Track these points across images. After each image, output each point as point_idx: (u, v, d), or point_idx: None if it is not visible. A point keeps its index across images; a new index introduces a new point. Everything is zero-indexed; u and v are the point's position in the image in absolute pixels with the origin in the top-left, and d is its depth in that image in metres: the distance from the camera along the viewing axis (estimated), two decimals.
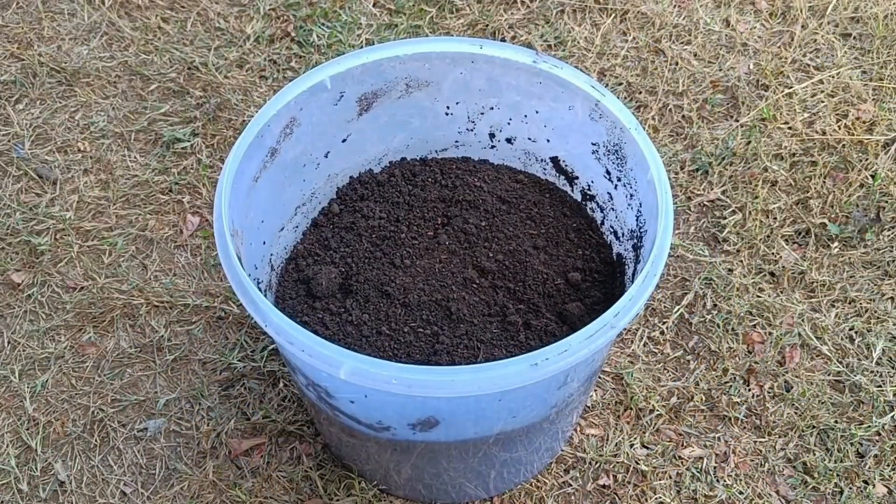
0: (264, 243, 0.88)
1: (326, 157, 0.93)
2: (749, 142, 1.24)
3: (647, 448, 0.99)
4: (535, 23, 1.39)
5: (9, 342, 1.06)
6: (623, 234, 0.88)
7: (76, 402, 1.02)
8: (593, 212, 0.94)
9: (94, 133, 1.25)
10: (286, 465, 0.97)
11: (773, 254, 1.14)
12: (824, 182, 1.21)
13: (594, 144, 0.88)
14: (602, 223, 0.93)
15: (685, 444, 0.99)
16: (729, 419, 1.01)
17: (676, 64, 1.34)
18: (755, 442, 0.99)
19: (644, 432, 0.99)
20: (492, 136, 0.97)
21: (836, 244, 1.15)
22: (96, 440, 0.99)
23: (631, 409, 1.01)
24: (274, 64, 1.33)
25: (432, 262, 0.88)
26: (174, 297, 1.09)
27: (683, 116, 1.28)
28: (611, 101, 0.83)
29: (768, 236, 1.15)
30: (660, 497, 0.95)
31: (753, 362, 1.05)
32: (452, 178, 0.96)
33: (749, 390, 1.03)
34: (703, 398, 1.02)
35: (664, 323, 1.08)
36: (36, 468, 0.97)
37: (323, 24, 1.37)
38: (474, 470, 0.86)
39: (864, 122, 1.27)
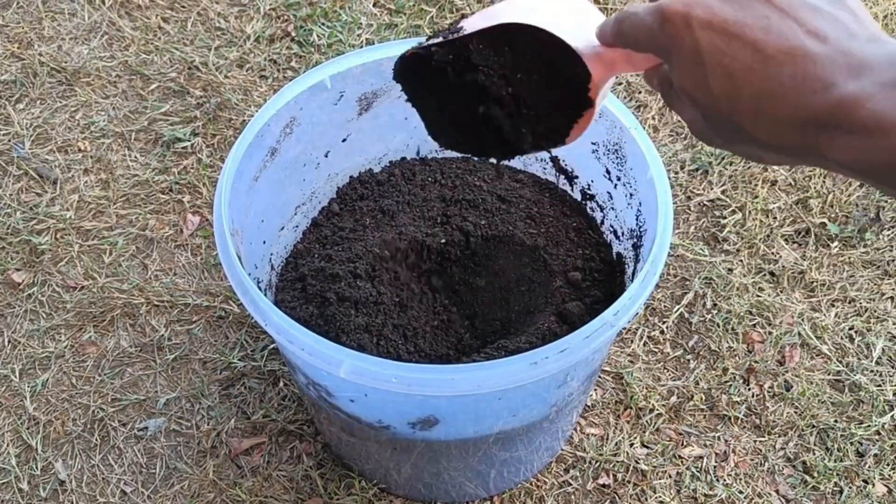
0: (264, 243, 0.88)
1: (326, 156, 0.93)
2: None
3: (647, 447, 0.99)
4: None
5: (9, 341, 1.06)
6: (623, 234, 0.88)
7: (76, 401, 1.02)
8: (593, 211, 0.94)
9: (94, 133, 1.25)
10: (286, 465, 0.97)
11: (772, 253, 1.14)
12: (824, 181, 1.21)
13: (594, 144, 0.88)
14: (602, 222, 0.93)
15: (685, 443, 0.99)
16: (729, 418, 1.01)
17: None
18: (755, 441, 0.99)
19: (644, 432, 0.99)
20: None
21: (835, 244, 1.15)
22: (96, 439, 0.99)
23: (631, 408, 1.01)
24: (274, 64, 1.33)
25: None
26: (174, 296, 1.09)
27: None
28: (611, 100, 0.83)
29: (768, 236, 1.15)
30: (660, 496, 0.95)
31: (753, 362, 1.05)
32: (452, 177, 0.96)
33: (749, 390, 1.03)
34: (703, 397, 1.02)
35: (664, 322, 1.08)
36: (36, 467, 0.97)
37: (323, 24, 1.37)
38: (474, 469, 0.86)
39: None
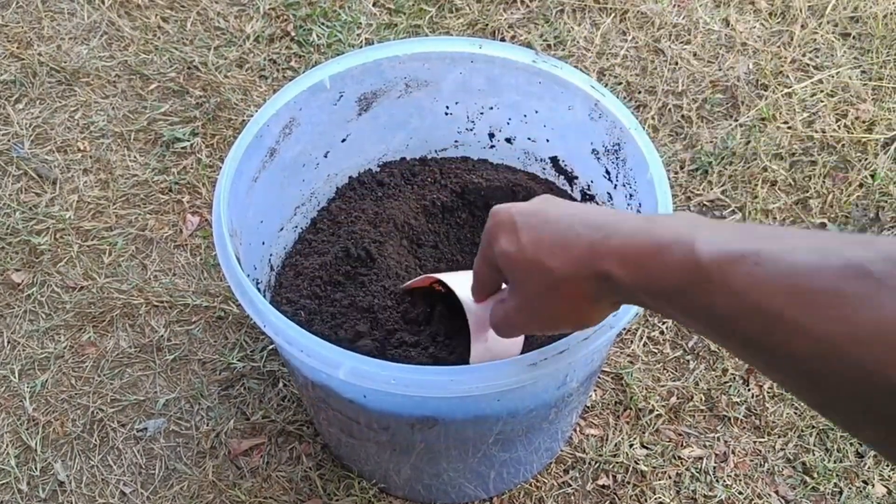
0: (263, 243, 0.88)
1: (326, 156, 0.93)
2: (748, 141, 1.24)
3: (647, 448, 0.99)
4: (535, 22, 1.39)
5: (8, 342, 1.06)
6: None
7: (76, 401, 1.02)
8: None
9: (93, 133, 1.25)
10: (286, 465, 0.97)
11: None
12: (824, 182, 1.21)
13: (594, 144, 0.88)
14: None
15: (685, 444, 0.99)
16: (728, 419, 1.01)
17: (676, 63, 1.34)
18: (755, 442, 0.99)
19: (644, 432, 0.99)
20: (491, 135, 0.97)
21: None
22: (96, 440, 0.99)
23: (630, 409, 1.01)
24: (273, 63, 1.33)
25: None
26: (174, 296, 1.09)
27: (683, 116, 1.28)
28: (610, 100, 0.83)
29: None
30: (659, 497, 0.95)
31: None
32: (452, 177, 0.96)
33: (748, 390, 1.03)
34: (703, 398, 1.02)
35: (664, 323, 1.08)
36: (35, 468, 0.97)
37: (322, 24, 1.37)
38: (474, 470, 0.86)
39: (863, 122, 1.27)
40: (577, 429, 0.99)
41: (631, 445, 0.98)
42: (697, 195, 1.20)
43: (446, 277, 0.71)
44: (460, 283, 0.68)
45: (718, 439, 0.99)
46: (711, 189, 1.20)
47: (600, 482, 0.96)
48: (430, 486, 0.90)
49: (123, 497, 0.96)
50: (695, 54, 1.35)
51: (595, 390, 1.02)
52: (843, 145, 1.24)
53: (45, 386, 1.03)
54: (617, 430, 0.99)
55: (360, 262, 0.87)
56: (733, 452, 0.99)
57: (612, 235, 0.46)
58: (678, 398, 1.02)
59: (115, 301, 1.09)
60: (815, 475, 0.97)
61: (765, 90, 1.31)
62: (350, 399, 0.75)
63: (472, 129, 0.97)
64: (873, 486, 0.96)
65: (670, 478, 0.97)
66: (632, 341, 1.06)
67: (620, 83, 1.31)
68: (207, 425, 1.00)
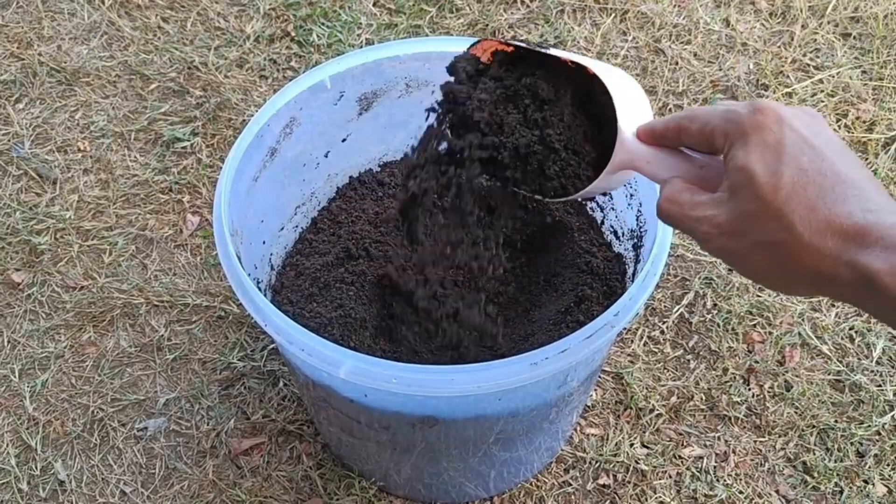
0: (264, 243, 0.88)
1: (326, 156, 0.93)
2: None
3: (647, 448, 0.99)
4: (535, 22, 1.39)
5: (9, 341, 1.06)
6: (623, 234, 0.88)
7: (76, 401, 1.02)
8: (593, 211, 0.94)
9: (93, 132, 1.25)
10: (286, 465, 0.97)
11: None
12: None
13: None
14: (602, 223, 0.92)
15: (685, 443, 0.99)
16: (729, 419, 1.01)
17: (676, 63, 1.34)
18: (755, 441, 0.99)
19: (644, 432, 0.99)
20: None
21: None
22: (96, 439, 0.99)
23: (631, 408, 1.01)
24: (274, 63, 1.33)
25: None
26: (174, 296, 1.09)
27: None
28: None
29: None
30: (660, 496, 0.95)
31: (753, 362, 1.05)
32: None
33: (749, 390, 1.03)
34: (703, 398, 1.02)
35: (664, 322, 1.08)
36: (36, 467, 0.97)
37: (323, 24, 1.37)
38: (474, 469, 0.86)
39: (864, 122, 1.27)
40: (578, 428, 0.99)
41: (631, 445, 0.98)
42: None
43: (595, 67, 0.58)
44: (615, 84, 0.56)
45: (719, 439, 0.99)
46: None
47: (601, 482, 0.96)
48: (430, 485, 0.90)
49: (123, 496, 0.96)
50: (695, 54, 1.35)
51: (595, 390, 1.02)
52: None
53: (45, 385, 1.03)
54: (617, 430, 0.99)
55: (360, 262, 0.87)
56: (734, 452, 0.99)
57: (886, 223, 0.40)
58: (678, 398, 1.02)
59: (116, 301, 1.09)
60: (816, 475, 0.97)
61: (765, 90, 1.31)
62: (351, 398, 0.75)
63: None
64: (874, 485, 0.96)
65: (671, 477, 0.97)
66: (632, 341, 1.06)
67: None
68: (208, 425, 1.00)
